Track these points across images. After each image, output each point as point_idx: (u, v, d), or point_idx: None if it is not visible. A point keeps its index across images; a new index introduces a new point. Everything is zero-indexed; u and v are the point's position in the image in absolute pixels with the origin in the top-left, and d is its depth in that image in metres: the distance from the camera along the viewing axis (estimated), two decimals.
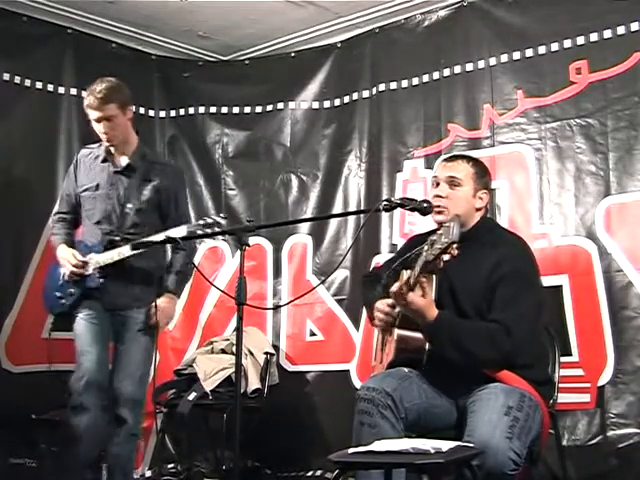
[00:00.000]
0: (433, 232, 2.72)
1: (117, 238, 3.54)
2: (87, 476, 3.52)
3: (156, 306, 3.55)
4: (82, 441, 3.50)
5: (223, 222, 3.22)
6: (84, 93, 4.63)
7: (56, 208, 3.83)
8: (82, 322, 3.58)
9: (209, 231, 3.22)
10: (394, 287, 2.77)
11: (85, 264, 3.55)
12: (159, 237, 3.28)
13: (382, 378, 2.84)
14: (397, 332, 2.86)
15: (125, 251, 3.47)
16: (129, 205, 3.62)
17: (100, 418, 3.52)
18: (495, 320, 2.75)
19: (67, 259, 3.57)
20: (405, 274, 2.77)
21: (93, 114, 3.57)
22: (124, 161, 3.67)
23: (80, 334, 3.58)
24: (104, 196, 3.64)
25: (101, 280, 3.54)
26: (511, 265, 2.82)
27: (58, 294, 3.63)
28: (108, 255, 3.52)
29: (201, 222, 3.26)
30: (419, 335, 2.79)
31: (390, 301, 2.94)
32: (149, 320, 3.58)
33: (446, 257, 2.56)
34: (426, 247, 2.61)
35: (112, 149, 3.65)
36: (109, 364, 3.63)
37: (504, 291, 2.79)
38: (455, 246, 2.54)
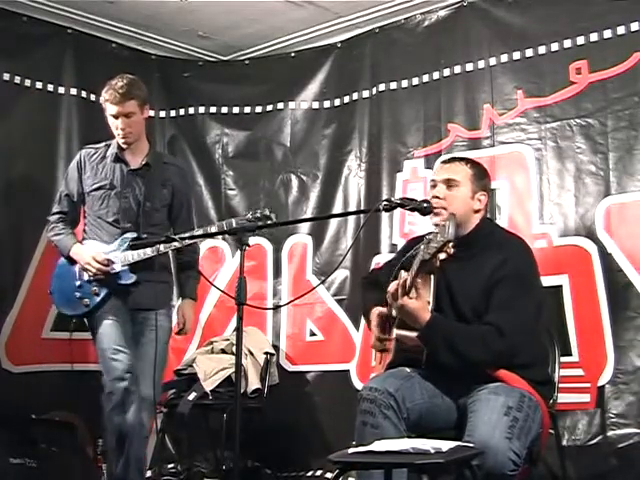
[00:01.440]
0: (430, 233, 2.73)
1: (144, 236, 3.52)
2: (136, 476, 3.46)
3: (184, 314, 3.71)
4: (132, 441, 3.43)
5: (273, 217, 3.15)
6: (84, 93, 4.69)
7: (55, 208, 3.76)
8: (109, 322, 3.50)
9: (261, 224, 3.08)
10: (391, 287, 2.78)
11: (110, 262, 3.50)
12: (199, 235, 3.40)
13: (384, 378, 2.84)
14: (396, 332, 2.87)
15: (156, 249, 3.44)
16: (147, 204, 3.61)
17: (141, 416, 3.47)
18: (489, 322, 2.76)
19: (92, 257, 3.51)
20: (402, 276, 2.78)
21: (112, 109, 3.56)
22: (138, 160, 3.66)
23: (109, 333, 3.49)
24: (119, 195, 3.61)
25: (135, 277, 3.50)
26: (510, 267, 2.82)
27: (78, 294, 3.56)
28: (139, 252, 3.48)
29: (249, 215, 3.19)
30: (416, 335, 2.80)
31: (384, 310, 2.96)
32: (177, 327, 3.73)
33: (442, 256, 2.56)
34: (422, 246, 2.62)
35: (125, 147, 3.63)
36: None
37: (501, 293, 2.79)
38: (451, 245, 2.54)
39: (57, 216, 3.73)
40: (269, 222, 3.12)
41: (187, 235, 3.26)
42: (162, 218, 3.67)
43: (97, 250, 3.54)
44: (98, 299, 3.53)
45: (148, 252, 3.47)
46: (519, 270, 2.83)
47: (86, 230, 3.71)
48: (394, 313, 2.90)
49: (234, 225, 3.23)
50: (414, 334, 2.79)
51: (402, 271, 2.81)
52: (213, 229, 3.37)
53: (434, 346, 2.75)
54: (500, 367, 2.77)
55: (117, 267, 3.51)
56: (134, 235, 3.55)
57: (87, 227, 3.71)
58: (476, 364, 2.75)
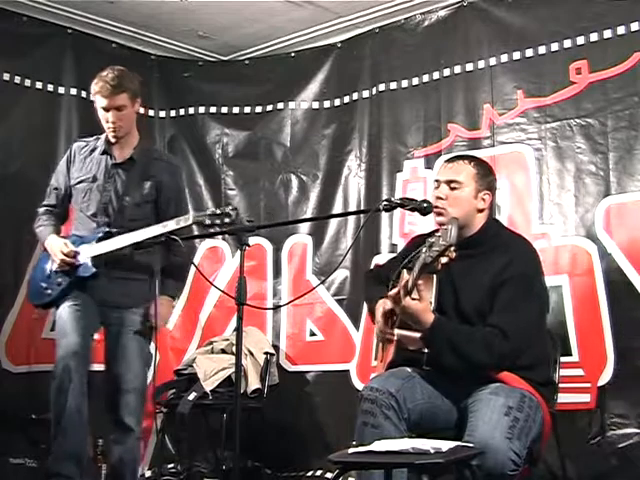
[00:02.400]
0: (433, 233, 2.73)
1: (114, 230, 3.45)
2: (69, 469, 3.35)
3: (156, 309, 3.45)
4: (63, 429, 3.34)
5: (233, 214, 3.10)
6: (84, 93, 4.69)
7: (44, 202, 3.73)
8: (65, 310, 3.47)
9: (218, 222, 3.09)
10: (392, 291, 2.78)
11: (76, 254, 3.46)
12: (156, 231, 3.28)
13: (385, 378, 2.84)
14: (397, 332, 2.87)
15: (121, 242, 3.37)
16: (127, 198, 3.54)
17: (82, 404, 3.38)
18: (492, 324, 2.76)
19: (59, 248, 3.47)
20: (404, 277, 2.77)
21: (102, 102, 3.50)
22: (125, 154, 3.60)
23: (61, 321, 3.47)
24: (100, 188, 3.56)
25: (94, 269, 3.43)
26: (515, 269, 2.81)
27: (44, 285, 3.53)
28: (103, 245, 3.43)
29: (209, 212, 3.16)
30: (418, 335, 2.80)
31: (389, 304, 2.96)
32: (147, 323, 3.50)
33: (444, 260, 2.56)
34: (424, 249, 2.61)
35: (114, 140, 3.58)
36: (91, 350, 3.53)
37: (505, 295, 2.79)
38: (453, 249, 2.54)
39: (44, 209, 3.70)
40: (227, 220, 3.07)
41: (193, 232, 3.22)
42: (144, 214, 3.55)
43: (66, 241, 3.51)
44: (59, 290, 3.50)
45: (113, 246, 3.40)
46: (524, 272, 2.83)
47: (74, 222, 3.69)
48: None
49: (191, 221, 3.22)
50: (415, 334, 2.79)
51: (404, 271, 2.81)
52: (171, 224, 3.28)
53: (437, 348, 2.75)
54: (503, 370, 2.77)
55: (81, 259, 3.47)
56: (106, 230, 3.49)
57: (74, 221, 3.69)
58: (479, 367, 2.75)
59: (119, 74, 3.49)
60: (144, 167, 3.61)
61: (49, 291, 3.52)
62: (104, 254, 3.42)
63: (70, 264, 3.47)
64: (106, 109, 3.51)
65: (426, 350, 2.79)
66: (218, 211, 3.13)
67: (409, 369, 2.87)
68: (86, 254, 3.47)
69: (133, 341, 3.53)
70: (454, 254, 2.55)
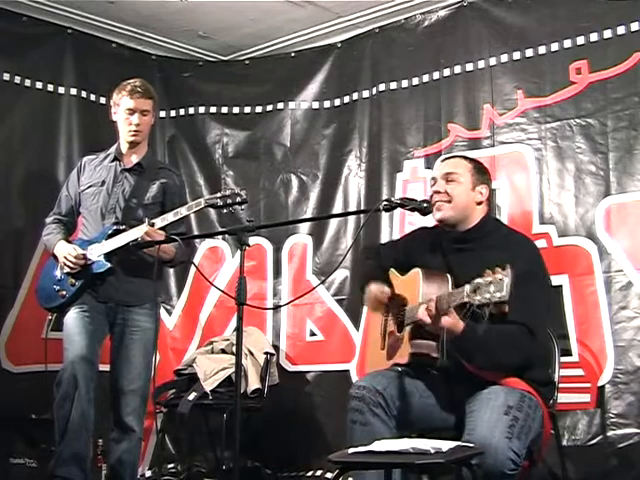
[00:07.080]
0: (442, 231, 2.72)
1: (122, 227, 3.51)
2: (73, 472, 3.41)
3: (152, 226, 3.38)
4: (68, 434, 3.39)
5: (243, 194, 3.17)
6: (84, 93, 4.69)
7: (53, 210, 3.80)
8: (72, 315, 3.54)
9: (230, 201, 3.14)
10: (422, 314, 2.69)
11: (85, 256, 3.51)
12: (168, 219, 3.36)
13: (373, 377, 2.86)
14: (412, 342, 2.84)
15: (131, 235, 3.41)
16: (134, 200, 3.62)
17: (88, 410, 3.44)
18: (515, 321, 2.71)
19: (68, 252, 3.53)
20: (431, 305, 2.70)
21: (129, 103, 3.60)
22: (134, 160, 3.69)
23: (68, 327, 3.53)
24: (109, 191, 3.64)
25: (109, 264, 3.49)
26: (524, 265, 2.78)
27: (57, 287, 3.58)
28: (113, 241, 3.48)
29: (219, 194, 3.20)
30: (432, 343, 2.79)
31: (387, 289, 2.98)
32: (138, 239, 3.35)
33: (492, 311, 2.47)
34: (469, 288, 2.48)
35: (130, 145, 3.67)
36: (98, 356, 3.57)
37: (521, 291, 2.76)
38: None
39: (52, 218, 3.78)
40: (238, 199, 3.14)
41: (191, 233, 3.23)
42: (151, 215, 3.55)
43: (74, 246, 3.57)
44: (74, 289, 3.54)
45: (122, 241, 3.44)
46: (532, 269, 2.83)
47: (81, 229, 3.75)
48: (406, 321, 2.89)
49: (202, 205, 3.27)
50: (431, 342, 2.78)
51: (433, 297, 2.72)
52: (183, 211, 3.36)
53: (468, 354, 2.73)
54: (527, 368, 2.77)
55: (93, 257, 3.52)
56: (114, 227, 3.54)
57: (81, 227, 3.76)
58: (510, 367, 2.75)
59: (146, 83, 3.68)
60: (151, 172, 3.69)
61: (63, 292, 3.58)
62: (117, 249, 3.47)
63: (82, 266, 3.52)
64: (132, 111, 3.61)
65: (435, 355, 2.79)
66: (228, 192, 3.17)
67: (399, 368, 2.88)
68: (97, 252, 3.52)
69: (136, 342, 3.57)
70: (507, 309, 2.49)
